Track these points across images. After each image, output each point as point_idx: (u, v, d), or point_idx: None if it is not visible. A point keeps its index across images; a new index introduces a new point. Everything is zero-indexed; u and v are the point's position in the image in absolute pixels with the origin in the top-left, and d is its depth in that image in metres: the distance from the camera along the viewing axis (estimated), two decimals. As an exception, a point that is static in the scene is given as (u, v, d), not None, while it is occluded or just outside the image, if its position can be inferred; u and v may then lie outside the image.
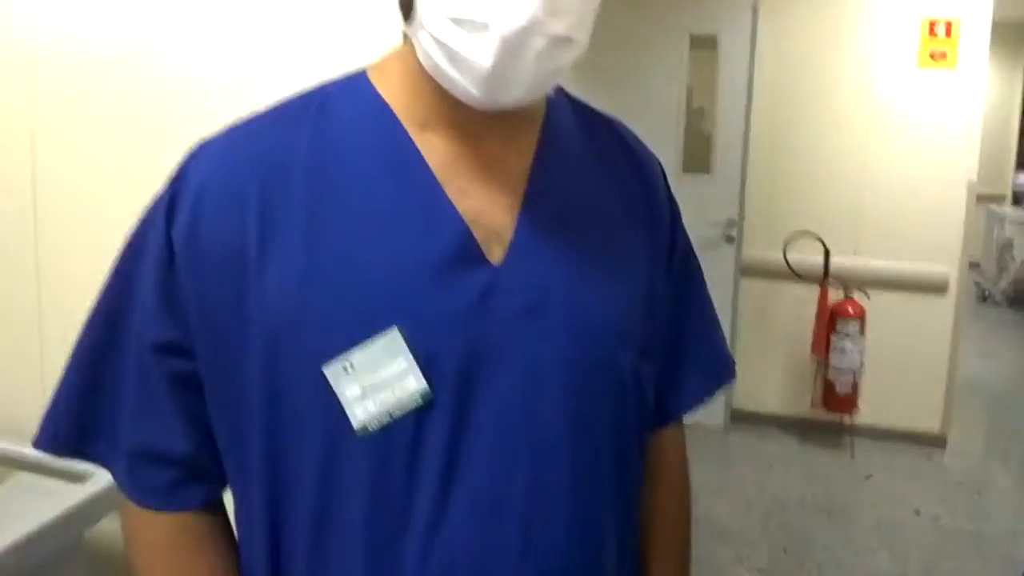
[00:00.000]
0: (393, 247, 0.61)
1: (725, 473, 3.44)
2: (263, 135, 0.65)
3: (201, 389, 0.65)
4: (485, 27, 0.55)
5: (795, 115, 3.75)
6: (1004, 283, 6.50)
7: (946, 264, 3.61)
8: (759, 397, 3.88)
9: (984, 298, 6.66)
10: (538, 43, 0.56)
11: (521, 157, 0.68)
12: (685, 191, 3.67)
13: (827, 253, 3.59)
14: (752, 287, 3.83)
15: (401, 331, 0.60)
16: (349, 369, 0.60)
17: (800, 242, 3.64)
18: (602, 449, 0.68)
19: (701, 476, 3.37)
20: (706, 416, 3.77)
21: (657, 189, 0.77)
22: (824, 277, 3.60)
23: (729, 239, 3.70)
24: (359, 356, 0.59)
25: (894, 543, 2.91)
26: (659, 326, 0.75)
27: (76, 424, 0.68)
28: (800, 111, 3.74)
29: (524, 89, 0.59)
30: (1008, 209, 7.03)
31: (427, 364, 0.60)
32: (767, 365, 3.87)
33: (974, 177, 3.57)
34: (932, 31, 3.52)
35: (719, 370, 0.84)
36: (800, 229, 3.64)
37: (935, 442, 3.66)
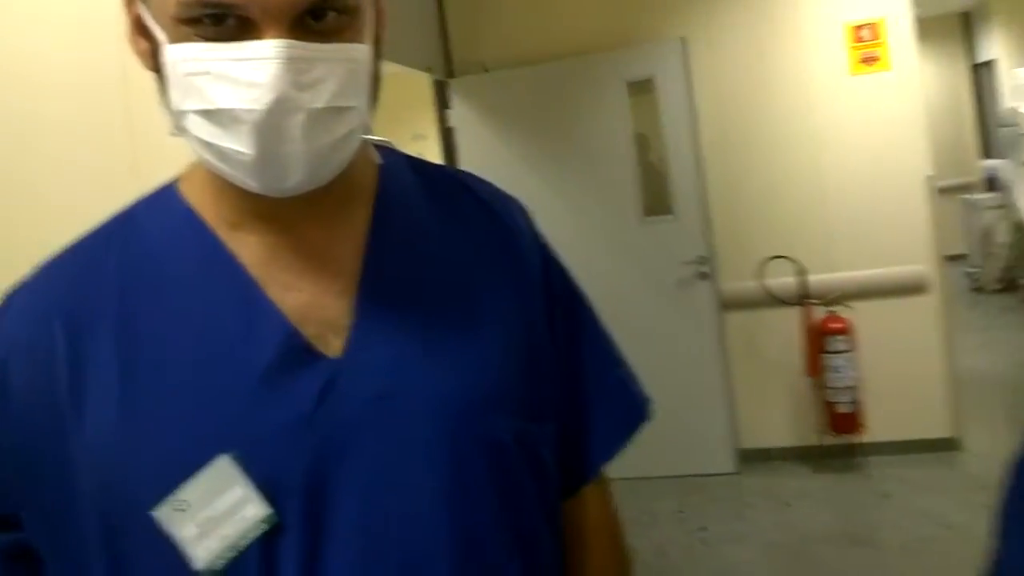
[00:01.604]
0: (214, 364, 0.59)
1: (742, 519, 3.36)
2: (68, 274, 0.63)
3: (33, 560, 0.61)
4: (235, 117, 0.54)
5: (743, 142, 3.81)
6: (993, 270, 6.55)
7: (922, 262, 3.62)
8: (764, 433, 3.82)
9: (978, 289, 6.69)
10: (297, 121, 0.54)
11: (354, 238, 0.66)
12: (650, 235, 3.78)
13: (802, 272, 3.62)
14: (735, 320, 3.83)
15: (232, 455, 0.57)
16: (180, 508, 0.56)
17: (774, 266, 3.67)
18: (493, 531, 0.63)
19: (717, 527, 3.30)
20: (713, 462, 3.72)
21: (519, 237, 0.74)
22: (803, 297, 3.61)
23: (703, 276, 3.72)
24: (190, 492, 0.56)
25: (928, 562, 2.84)
26: (548, 381, 0.71)
27: None
28: (747, 137, 3.81)
29: (304, 170, 0.57)
30: (982, 196, 7.14)
31: (268, 484, 0.57)
32: (766, 398, 3.83)
33: (930, 171, 3.62)
34: (858, 37, 3.62)
35: (629, 414, 0.79)
36: (772, 254, 3.67)
37: (951, 446, 3.60)
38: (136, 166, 1.41)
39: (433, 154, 4.29)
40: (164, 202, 0.66)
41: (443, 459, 0.61)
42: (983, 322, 5.88)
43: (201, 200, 0.65)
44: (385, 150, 0.73)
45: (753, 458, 3.80)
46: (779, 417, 3.83)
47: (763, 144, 3.80)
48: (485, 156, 3.87)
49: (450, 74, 3.99)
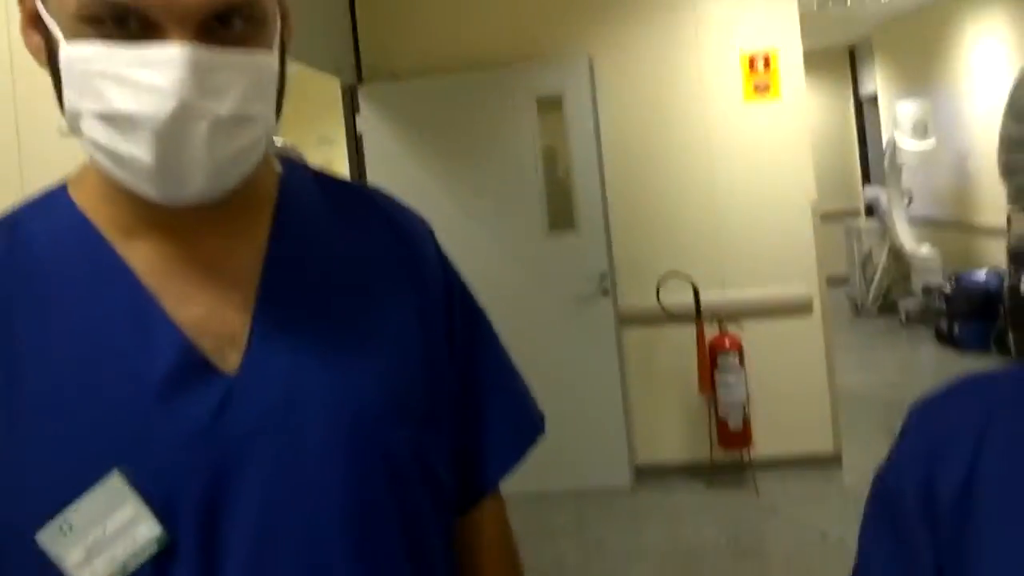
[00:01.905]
0: (106, 379, 0.57)
1: (637, 534, 3.44)
2: None
3: None
4: (134, 122, 0.52)
5: (643, 160, 3.93)
6: (872, 293, 6.97)
7: (807, 284, 3.82)
8: (660, 448, 3.92)
9: (858, 311, 7.11)
10: (199, 128, 0.53)
11: (251, 248, 0.64)
12: (554, 249, 3.83)
13: (696, 291, 3.74)
14: (633, 336, 3.92)
15: (123, 472, 0.54)
16: (67, 530, 0.54)
17: (670, 284, 3.78)
18: (390, 544, 0.63)
19: (613, 541, 3.36)
20: (610, 477, 3.79)
21: (421, 252, 0.74)
22: (697, 315, 3.73)
23: (605, 292, 3.79)
24: (77, 512, 0.54)
25: (809, 572, 2.97)
26: (444, 395, 0.71)
27: None
28: (647, 155, 3.92)
29: (205, 179, 0.55)
30: (862, 222, 7.61)
31: (161, 502, 0.55)
32: (661, 413, 3.94)
33: (814, 195, 3.84)
34: (752, 66, 3.80)
35: (523, 429, 0.80)
36: (668, 270, 3.79)
37: (831, 462, 3.80)
38: (21, 164, 1.32)
39: (340, 159, 4.22)
40: (52, 206, 0.63)
41: (339, 470, 0.61)
42: (862, 342, 6.25)
43: (93, 205, 0.62)
44: (286, 160, 0.72)
45: (648, 473, 3.89)
46: (674, 433, 3.94)
47: (662, 163, 3.93)
48: (393, 164, 3.84)
49: (359, 79, 3.94)
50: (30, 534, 0.54)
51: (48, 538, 0.54)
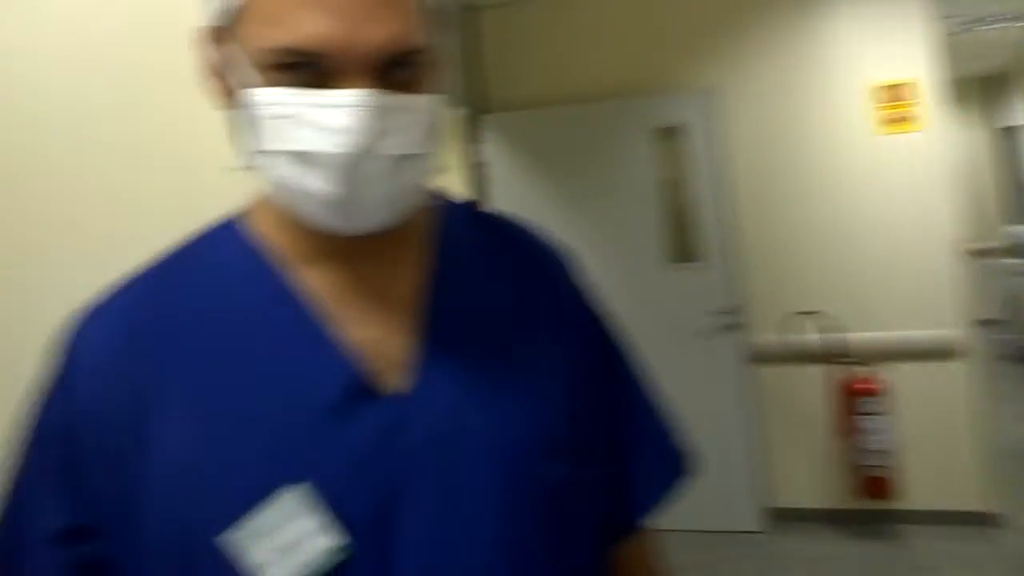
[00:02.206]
0: (284, 397, 0.60)
1: (768, 582, 3.24)
2: (140, 300, 0.66)
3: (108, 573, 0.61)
4: (316, 159, 0.57)
5: (772, 193, 3.79)
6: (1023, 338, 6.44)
7: (950, 327, 3.53)
8: (791, 492, 3.71)
9: (1010, 356, 6.56)
10: (376, 166, 0.57)
11: (413, 277, 0.68)
12: (675, 282, 3.73)
13: (831, 330, 3.54)
14: (765, 374, 3.75)
15: (303, 486, 0.57)
16: (253, 537, 0.56)
17: (804, 321, 3.60)
18: (546, 574, 0.64)
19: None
20: (738, 520, 3.61)
21: (567, 285, 0.77)
22: (833, 356, 3.53)
23: (729, 327, 3.65)
24: (260, 521, 0.57)
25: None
26: (594, 429, 0.73)
27: None
28: (776, 189, 3.79)
29: (379, 212, 0.60)
30: (1008, 261, 7.09)
31: (338, 515, 0.58)
32: (792, 456, 3.73)
33: (960, 234, 3.58)
34: (885, 97, 3.60)
35: (671, 467, 0.80)
36: (801, 308, 3.61)
37: (989, 521, 3.48)
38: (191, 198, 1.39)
39: (455, 187, 4.28)
40: (230, 235, 0.69)
41: (501, 501, 0.63)
42: (1018, 391, 5.74)
43: (267, 234, 0.67)
44: (441, 194, 0.76)
45: (780, 517, 3.68)
46: (808, 477, 3.72)
47: (792, 196, 3.77)
48: (515, 193, 3.87)
49: (485, 109, 4.01)
50: (214, 537, 0.57)
51: (236, 542, 0.57)
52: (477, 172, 3.97)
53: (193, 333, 0.63)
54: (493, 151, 3.94)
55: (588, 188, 3.85)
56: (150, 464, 0.59)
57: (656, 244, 3.78)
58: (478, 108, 4.00)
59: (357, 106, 0.56)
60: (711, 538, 3.55)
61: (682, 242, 3.80)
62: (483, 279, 0.71)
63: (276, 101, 0.57)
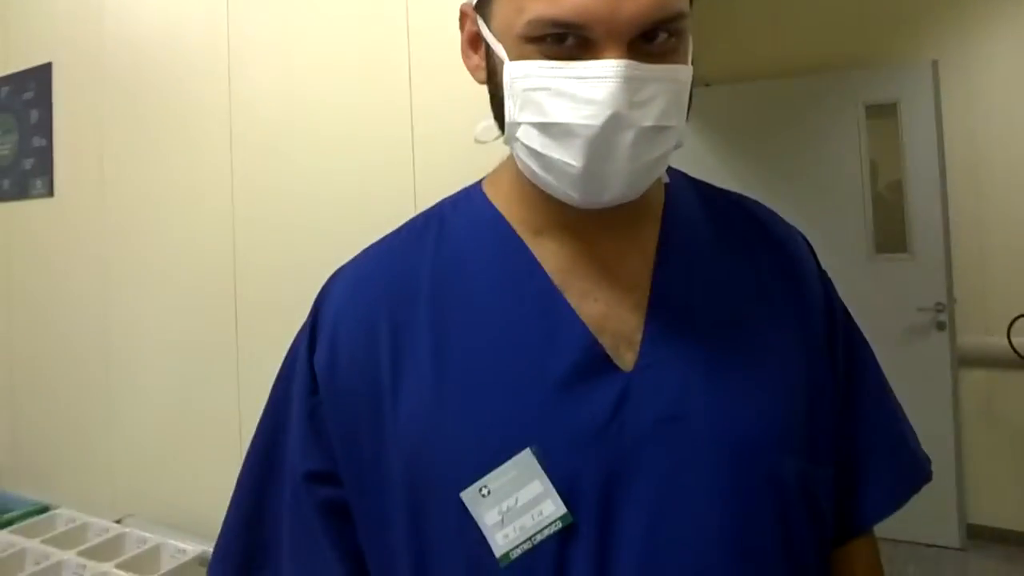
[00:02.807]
0: (518, 363, 0.62)
1: (967, 604, 3.02)
2: (388, 261, 0.70)
3: (351, 516, 0.67)
4: (570, 130, 0.57)
5: (996, 181, 3.47)
6: None
7: None
8: (1000, 510, 3.42)
9: None
10: (627, 138, 0.57)
11: (643, 253, 0.68)
12: (881, 274, 3.50)
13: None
14: (972, 379, 3.46)
15: (534, 452, 0.59)
16: (485, 494, 0.59)
17: (1021, 324, 3.27)
18: (771, 568, 0.62)
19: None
20: (937, 534, 3.37)
21: (802, 270, 0.74)
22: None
23: (940, 325, 3.38)
24: (494, 480, 0.59)
25: None
26: (827, 425, 0.70)
27: (241, 565, 0.71)
28: (1000, 176, 3.46)
29: (623, 185, 0.60)
30: None
31: (564, 485, 0.59)
32: (1003, 471, 3.43)
33: None
34: None
35: (909, 471, 0.77)
36: (1019, 310, 3.28)
37: None
38: (415, 173, 1.48)
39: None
40: (471, 203, 0.72)
41: (726, 490, 0.61)
42: None
43: (506, 205, 0.70)
44: (671, 170, 0.75)
45: (984, 536, 3.41)
46: (1017, 494, 3.40)
47: (1018, 185, 3.40)
48: (701, 174, 3.75)
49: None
50: (451, 491, 0.60)
51: (469, 498, 0.60)
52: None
53: (435, 292, 0.65)
54: (687, 129, 3.85)
55: (788, 170, 3.68)
56: (393, 415, 0.63)
57: (861, 232, 3.56)
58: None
59: (611, 78, 0.55)
60: (908, 550, 3.36)
61: (888, 230, 3.56)
62: (711, 257, 0.70)
63: (529, 73, 0.58)
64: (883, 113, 3.56)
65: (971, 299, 3.46)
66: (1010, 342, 3.28)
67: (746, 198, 0.79)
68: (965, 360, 3.43)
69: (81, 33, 2.09)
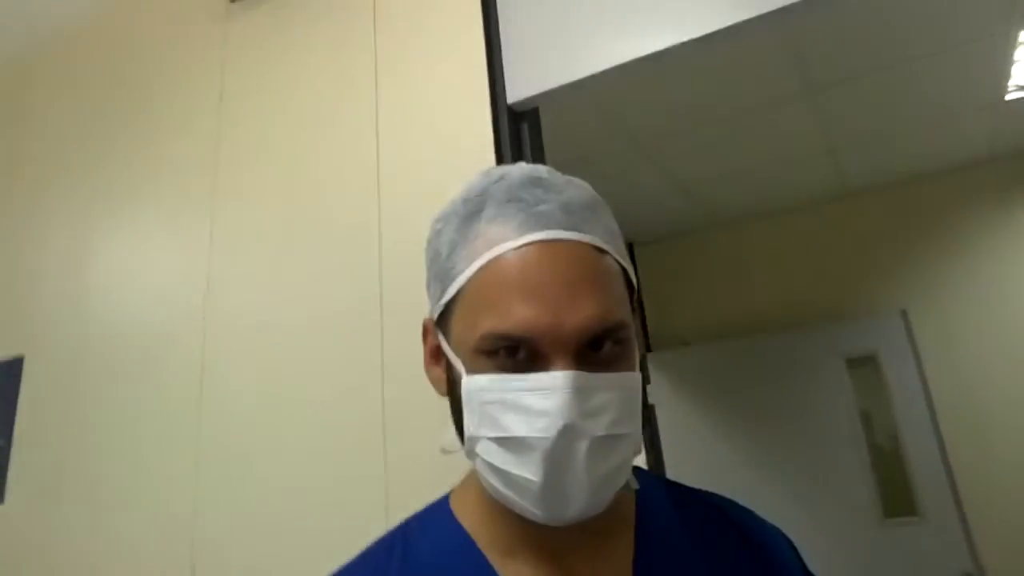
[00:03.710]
0: None
1: None
2: None
3: None
4: (525, 444, 0.59)
5: (988, 423, 3.26)
6: None
7: None
8: None
9: None
10: (581, 448, 0.58)
11: (619, 571, 0.67)
12: (893, 543, 3.12)
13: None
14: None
15: None
16: None
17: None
18: None
19: None
20: None
21: (782, 571, 0.73)
22: None
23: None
24: None
25: None
26: None
27: None
28: (996, 420, 3.27)
29: (585, 498, 0.59)
30: None
31: None
32: None
33: None
34: None
35: None
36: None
37: None
38: (387, 484, 1.42)
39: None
40: (438, 520, 0.72)
41: None
42: None
43: (474, 523, 0.69)
44: (640, 472, 0.74)
45: None
46: None
47: (1015, 427, 3.21)
48: (688, 436, 3.61)
49: (647, 348, 3.86)
50: None
51: None
52: (643, 417, 3.75)
53: None
54: (660, 393, 3.73)
55: (772, 429, 3.50)
56: None
57: (864, 493, 3.29)
58: (642, 348, 3.85)
59: (564, 388, 0.58)
60: None
61: (894, 489, 3.28)
62: (688, 562, 0.69)
63: (484, 386, 0.61)
64: (864, 363, 3.50)
65: (1004, 567, 3.08)
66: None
67: (719, 497, 0.79)
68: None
69: (60, 323, 2.03)
